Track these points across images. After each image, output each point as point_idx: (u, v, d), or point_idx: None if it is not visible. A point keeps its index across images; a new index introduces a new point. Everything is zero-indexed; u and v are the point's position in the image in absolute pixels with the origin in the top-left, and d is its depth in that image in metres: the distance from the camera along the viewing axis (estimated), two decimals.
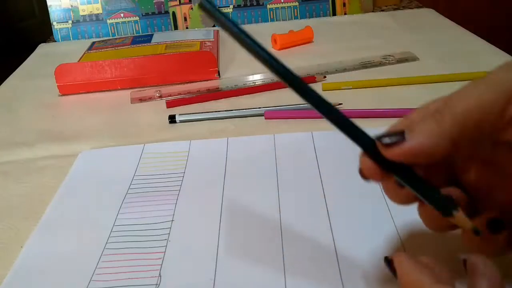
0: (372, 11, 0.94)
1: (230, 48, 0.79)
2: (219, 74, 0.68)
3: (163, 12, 0.90)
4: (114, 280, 0.34)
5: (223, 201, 0.41)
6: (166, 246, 0.37)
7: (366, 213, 0.38)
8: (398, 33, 0.79)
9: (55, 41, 0.90)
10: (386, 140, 0.26)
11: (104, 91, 0.67)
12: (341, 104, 0.55)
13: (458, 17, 0.89)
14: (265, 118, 0.55)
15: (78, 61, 0.71)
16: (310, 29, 0.78)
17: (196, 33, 0.80)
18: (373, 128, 0.49)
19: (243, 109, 0.56)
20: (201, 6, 0.25)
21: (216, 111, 0.56)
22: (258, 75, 0.66)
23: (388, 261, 0.27)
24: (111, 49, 0.74)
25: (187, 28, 0.91)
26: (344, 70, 0.66)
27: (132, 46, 0.75)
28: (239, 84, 0.65)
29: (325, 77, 0.64)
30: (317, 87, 0.62)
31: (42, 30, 1.19)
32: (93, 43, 0.79)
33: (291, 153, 0.47)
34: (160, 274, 0.34)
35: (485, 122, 0.25)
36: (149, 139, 0.53)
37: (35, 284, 0.34)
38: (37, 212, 0.42)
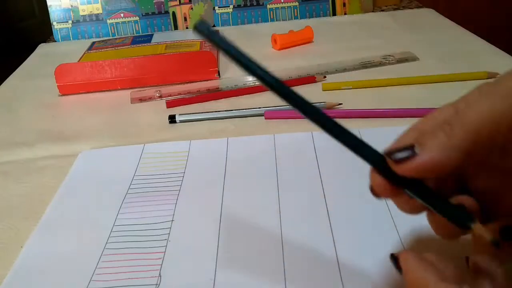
0: (372, 11, 0.94)
1: None
2: (219, 74, 0.68)
3: (163, 12, 0.90)
4: (114, 280, 0.34)
5: (223, 201, 0.41)
6: (166, 246, 0.37)
7: (366, 213, 0.38)
8: (398, 33, 0.79)
9: (55, 41, 0.90)
10: (397, 155, 0.25)
11: (104, 91, 0.67)
12: (341, 104, 0.55)
13: (458, 17, 0.89)
14: (265, 118, 0.55)
15: (78, 61, 0.71)
16: (310, 29, 0.78)
17: None
18: (373, 128, 0.49)
19: (243, 109, 0.56)
20: (196, 29, 0.24)
21: (216, 111, 0.56)
22: None
23: (394, 258, 0.26)
24: (111, 49, 0.74)
25: (187, 28, 0.91)
26: (344, 70, 0.66)
27: (132, 46, 0.75)
28: (239, 84, 0.64)
29: (325, 77, 0.64)
30: (317, 87, 0.62)
31: (42, 30, 1.20)
32: (93, 43, 0.79)
33: (291, 153, 0.47)
34: (160, 274, 0.34)
35: (497, 133, 0.24)
36: (149, 139, 0.53)
37: (35, 284, 0.34)
38: (37, 212, 0.42)
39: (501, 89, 0.25)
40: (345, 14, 0.92)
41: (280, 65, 0.69)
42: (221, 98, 0.61)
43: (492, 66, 0.61)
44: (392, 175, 0.26)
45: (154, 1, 0.89)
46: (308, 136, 0.49)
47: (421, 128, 0.26)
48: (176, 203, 0.41)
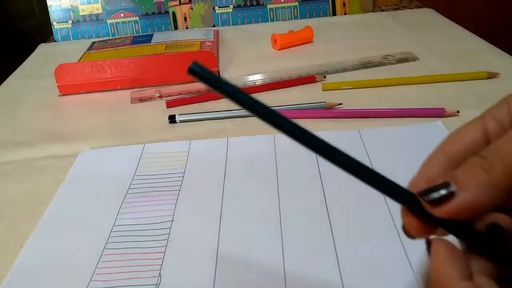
0: (372, 11, 0.94)
1: (230, 48, 0.79)
2: (219, 74, 0.68)
3: (163, 12, 0.90)
4: (114, 280, 0.34)
5: (223, 201, 0.41)
6: (166, 246, 0.37)
7: (366, 213, 0.38)
8: (398, 33, 0.79)
9: (55, 41, 0.90)
10: (432, 196, 0.23)
11: (104, 91, 0.67)
12: (341, 104, 0.55)
13: (458, 17, 0.89)
14: None
15: (78, 61, 0.71)
16: (310, 29, 0.78)
17: (196, 33, 0.80)
18: (373, 128, 0.49)
19: (243, 109, 0.56)
20: (191, 71, 0.23)
21: (216, 111, 0.56)
22: (258, 75, 0.66)
23: (428, 242, 0.25)
24: (111, 49, 0.74)
25: (187, 28, 0.91)
26: (344, 70, 0.66)
27: (132, 46, 0.75)
28: (239, 84, 0.64)
29: (325, 77, 0.64)
30: (317, 87, 0.62)
31: (42, 30, 1.20)
32: (93, 43, 0.79)
33: (291, 153, 0.47)
34: (160, 274, 0.34)
35: None
36: (149, 139, 0.53)
37: (35, 284, 0.34)
38: (37, 212, 0.42)
39: None
40: (345, 14, 0.92)
41: (280, 65, 0.69)
42: (221, 98, 0.61)
43: (492, 66, 0.61)
44: (427, 215, 0.24)
45: (154, 1, 0.89)
46: None
47: (449, 152, 0.25)
48: (176, 203, 0.41)
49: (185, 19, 0.90)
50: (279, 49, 0.76)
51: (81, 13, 0.89)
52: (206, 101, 0.61)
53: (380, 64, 0.67)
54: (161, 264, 0.35)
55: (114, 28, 0.90)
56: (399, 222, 0.36)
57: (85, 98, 0.66)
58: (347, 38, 0.79)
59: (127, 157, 0.49)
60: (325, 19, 0.90)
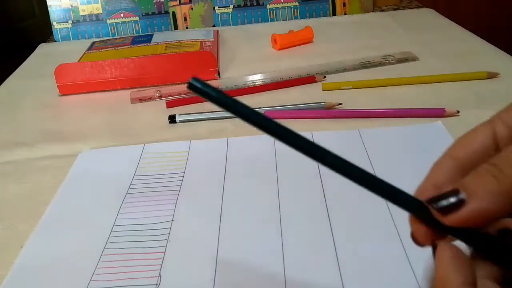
0: (372, 11, 0.94)
1: (230, 48, 0.79)
2: (219, 74, 0.68)
3: (163, 12, 0.90)
4: (114, 280, 0.34)
5: (223, 201, 0.41)
6: (166, 246, 0.37)
7: (366, 213, 0.38)
8: (398, 33, 0.79)
9: (55, 41, 0.90)
10: (441, 203, 0.23)
11: (104, 91, 0.67)
12: (341, 104, 0.55)
13: (458, 17, 0.89)
14: None
15: (78, 61, 0.71)
16: (310, 29, 0.78)
17: (196, 33, 0.80)
18: (373, 128, 0.49)
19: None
20: (191, 86, 0.23)
21: (216, 111, 0.56)
22: (258, 75, 0.66)
23: (434, 246, 0.25)
24: (111, 49, 0.74)
25: (187, 28, 0.91)
26: (344, 70, 0.66)
27: (132, 46, 0.75)
28: (239, 84, 0.64)
29: (325, 77, 0.64)
30: (317, 87, 0.62)
31: (42, 30, 1.20)
32: (93, 43, 0.79)
33: (291, 153, 0.47)
34: (160, 274, 0.34)
35: None
36: (149, 139, 0.53)
37: (35, 284, 0.34)
38: (37, 212, 0.42)
39: None
40: (345, 14, 0.92)
41: (280, 65, 0.69)
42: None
43: (492, 66, 0.61)
44: (436, 223, 0.23)
45: (154, 1, 0.89)
46: (308, 136, 0.49)
47: (457, 156, 0.25)
48: (176, 203, 0.41)
49: (185, 19, 0.90)
50: (279, 49, 0.76)
51: (81, 13, 0.89)
52: (206, 101, 0.60)
53: (380, 64, 0.67)
54: (161, 264, 0.35)
55: (114, 28, 0.90)
56: (399, 222, 0.37)
57: (85, 98, 0.66)
58: (347, 38, 0.79)
59: (127, 157, 0.49)
60: (325, 19, 0.90)
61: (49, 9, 0.89)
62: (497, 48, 0.69)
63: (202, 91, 0.23)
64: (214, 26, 0.91)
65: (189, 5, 0.90)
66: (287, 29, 0.78)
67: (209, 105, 0.60)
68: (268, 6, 0.91)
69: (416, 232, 0.24)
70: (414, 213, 0.24)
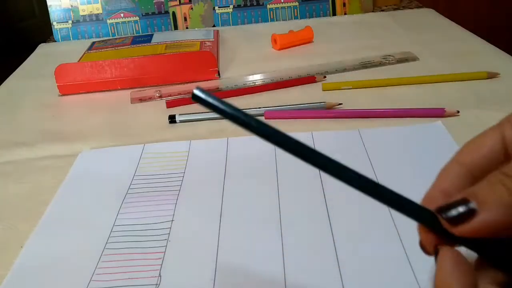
0: (372, 11, 0.94)
1: (230, 48, 0.79)
2: (219, 74, 0.68)
3: (163, 12, 0.90)
4: (114, 280, 0.34)
5: (223, 201, 0.41)
6: (166, 246, 0.37)
7: (366, 213, 0.38)
8: (398, 33, 0.79)
9: (55, 41, 0.90)
10: (451, 213, 0.22)
11: (104, 91, 0.67)
12: (341, 104, 0.55)
13: (458, 17, 0.89)
14: (265, 118, 0.55)
15: (78, 61, 0.71)
16: (310, 29, 0.78)
17: (196, 33, 0.80)
18: (373, 128, 0.49)
19: (243, 109, 0.56)
20: (195, 97, 0.23)
21: None
22: (258, 75, 0.66)
23: (436, 250, 0.24)
24: (111, 49, 0.74)
25: (187, 28, 0.91)
26: (344, 70, 0.66)
27: (132, 46, 0.75)
28: (239, 84, 0.65)
29: (325, 77, 0.64)
30: (317, 87, 0.62)
31: (42, 30, 1.20)
32: (93, 43, 0.79)
33: None
34: (160, 274, 0.34)
35: None
36: (149, 139, 0.53)
37: (35, 284, 0.34)
38: (37, 212, 0.42)
39: None
40: (345, 14, 0.92)
41: (280, 65, 0.69)
42: (221, 98, 0.61)
43: (492, 66, 0.61)
44: (445, 232, 0.23)
45: (154, 1, 0.89)
46: (308, 136, 0.49)
47: (464, 162, 0.24)
48: (176, 203, 0.41)
49: (185, 19, 0.90)
50: (279, 49, 0.76)
51: (81, 13, 0.89)
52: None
53: (380, 64, 0.67)
54: (161, 264, 0.35)
55: (114, 28, 0.90)
56: (399, 222, 0.37)
57: (85, 98, 0.66)
58: (347, 38, 0.79)
59: (127, 157, 0.49)
60: (325, 19, 0.90)
61: (49, 9, 0.89)
62: (497, 48, 0.69)
63: (205, 102, 0.23)
64: (214, 26, 0.91)
65: (189, 5, 0.90)
66: (287, 29, 0.78)
67: None
68: (268, 6, 0.91)
69: (425, 241, 0.24)
70: (423, 223, 0.23)
